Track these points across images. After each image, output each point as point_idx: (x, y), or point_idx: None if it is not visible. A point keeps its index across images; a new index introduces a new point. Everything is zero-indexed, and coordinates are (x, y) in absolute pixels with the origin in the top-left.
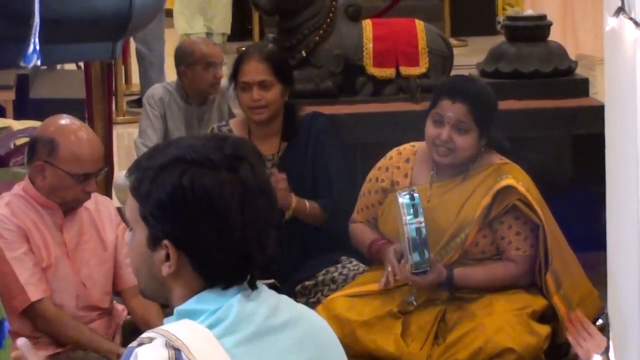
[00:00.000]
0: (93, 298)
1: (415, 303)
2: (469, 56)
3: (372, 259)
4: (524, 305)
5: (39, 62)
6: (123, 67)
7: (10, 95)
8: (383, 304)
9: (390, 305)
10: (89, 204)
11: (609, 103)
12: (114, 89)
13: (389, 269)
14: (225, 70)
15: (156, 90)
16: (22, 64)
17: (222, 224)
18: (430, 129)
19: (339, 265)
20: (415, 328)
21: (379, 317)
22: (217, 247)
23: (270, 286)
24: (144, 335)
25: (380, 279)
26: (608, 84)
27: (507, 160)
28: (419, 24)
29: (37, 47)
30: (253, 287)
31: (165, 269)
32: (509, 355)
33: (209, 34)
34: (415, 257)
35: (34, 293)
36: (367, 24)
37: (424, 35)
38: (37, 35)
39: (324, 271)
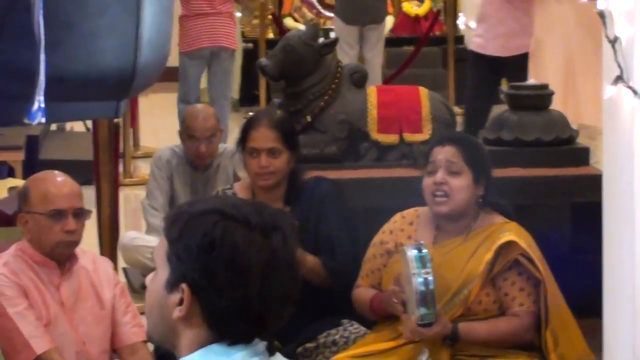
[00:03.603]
0: (92, 355)
1: None
2: None
3: (375, 316)
4: None
5: (43, 120)
6: (132, 129)
7: (20, 155)
8: None
9: None
10: (87, 263)
11: (607, 170)
12: (122, 151)
13: (403, 317)
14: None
15: (164, 152)
16: (26, 121)
17: (241, 281)
18: (426, 180)
19: (340, 328)
20: None
21: None
22: (230, 302)
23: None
24: None
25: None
26: (606, 152)
27: (509, 221)
28: (423, 92)
29: (42, 105)
30: (271, 352)
31: (176, 312)
32: None
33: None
34: (422, 309)
35: (39, 345)
36: (372, 91)
37: (428, 102)
38: (42, 93)
39: (325, 333)
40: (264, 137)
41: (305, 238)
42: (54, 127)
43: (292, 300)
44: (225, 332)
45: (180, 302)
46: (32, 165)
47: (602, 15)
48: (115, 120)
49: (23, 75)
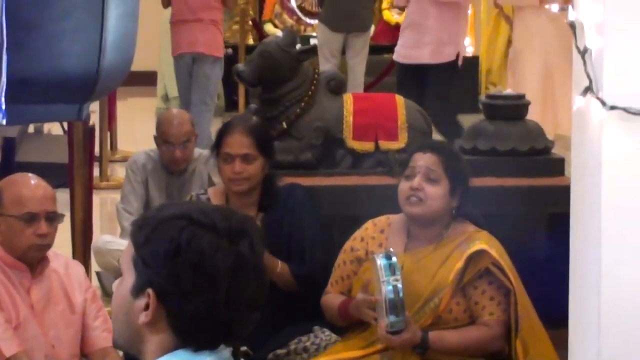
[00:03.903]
0: (62, 359)
1: None
2: None
3: (344, 322)
4: None
5: (4, 122)
6: (109, 133)
7: None
8: None
9: None
10: (58, 267)
11: (575, 181)
12: (99, 154)
13: (371, 320)
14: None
15: (139, 156)
16: None
17: (207, 287)
18: (402, 184)
19: (312, 335)
20: None
21: None
22: (196, 308)
23: (243, 354)
24: None
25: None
26: (575, 163)
27: (480, 229)
28: (399, 99)
29: (3, 107)
30: (236, 359)
31: (142, 318)
32: None
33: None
34: (392, 316)
35: (8, 348)
36: (348, 98)
37: (404, 110)
38: (3, 94)
39: (296, 340)
40: (238, 143)
41: (278, 244)
42: (31, 129)
43: (259, 306)
44: (190, 338)
45: (146, 307)
46: (8, 168)
47: (572, 26)
48: (90, 123)
49: None
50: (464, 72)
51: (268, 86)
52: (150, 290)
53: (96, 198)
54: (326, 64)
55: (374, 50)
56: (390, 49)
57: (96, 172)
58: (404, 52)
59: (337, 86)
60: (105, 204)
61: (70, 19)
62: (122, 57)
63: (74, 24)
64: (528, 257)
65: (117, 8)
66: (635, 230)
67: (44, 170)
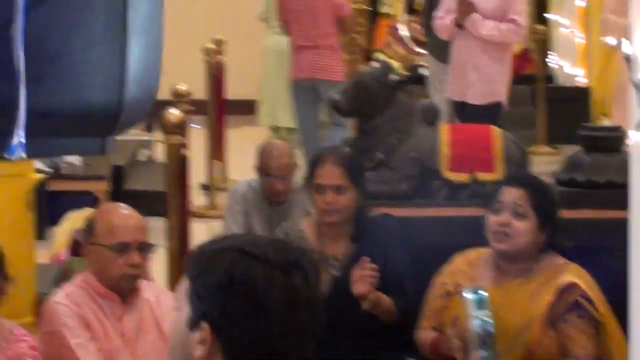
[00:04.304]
0: None
1: None
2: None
3: (438, 359)
4: None
5: (23, 155)
6: (218, 161)
7: (104, 185)
8: None
9: None
10: (149, 295)
11: (635, 214)
12: (207, 183)
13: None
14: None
15: (240, 186)
16: (6, 156)
17: (261, 319)
18: (490, 218)
19: None
20: None
21: None
22: (251, 340)
23: None
24: None
25: None
26: (634, 197)
27: (569, 262)
28: (495, 130)
29: (22, 140)
30: None
31: (198, 351)
32: None
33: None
34: (482, 351)
35: None
36: (444, 129)
37: (500, 141)
38: (22, 127)
39: None
40: (330, 174)
41: None
42: (142, 157)
43: (314, 339)
44: None
45: (202, 341)
46: (117, 196)
47: (627, 59)
48: (184, 152)
49: (2, 109)
50: (575, 103)
51: (363, 116)
52: (204, 324)
53: (204, 226)
54: (437, 95)
55: None
56: None
57: (205, 200)
58: (451, 89)
59: (433, 117)
60: (214, 232)
61: (92, 50)
62: (146, 89)
63: (95, 56)
64: (624, 289)
65: (140, 40)
66: None
67: (150, 198)
